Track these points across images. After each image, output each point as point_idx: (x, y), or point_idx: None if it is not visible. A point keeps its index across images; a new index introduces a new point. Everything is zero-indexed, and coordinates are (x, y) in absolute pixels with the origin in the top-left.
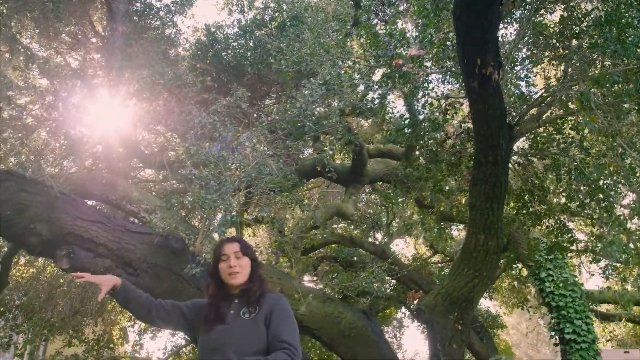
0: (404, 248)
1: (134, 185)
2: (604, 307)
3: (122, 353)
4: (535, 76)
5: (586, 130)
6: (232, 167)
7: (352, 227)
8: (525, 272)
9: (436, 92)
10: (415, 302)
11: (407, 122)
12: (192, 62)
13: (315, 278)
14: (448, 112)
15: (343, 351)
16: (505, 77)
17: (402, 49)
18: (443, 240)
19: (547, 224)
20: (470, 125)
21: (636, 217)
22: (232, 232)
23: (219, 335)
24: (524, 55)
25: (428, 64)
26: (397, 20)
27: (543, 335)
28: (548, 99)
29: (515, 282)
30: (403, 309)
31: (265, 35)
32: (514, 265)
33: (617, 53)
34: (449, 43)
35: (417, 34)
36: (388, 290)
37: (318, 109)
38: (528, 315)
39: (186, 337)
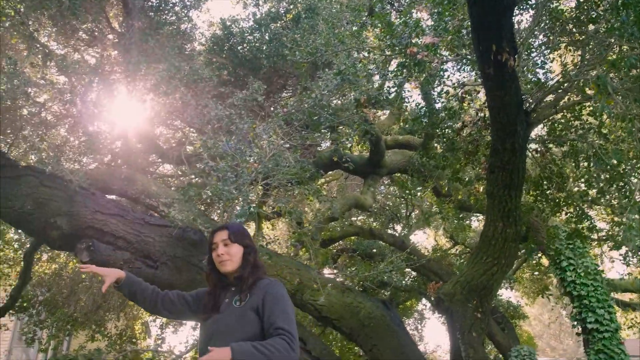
0: (425, 240)
1: (153, 180)
2: (626, 297)
3: (144, 347)
4: (551, 62)
5: (604, 116)
6: (250, 160)
7: (372, 219)
8: (546, 262)
9: (452, 81)
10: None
11: (423, 111)
12: (208, 57)
13: (335, 271)
14: (464, 100)
15: (363, 341)
16: (521, 63)
17: (417, 38)
18: (463, 231)
19: (566, 211)
20: (487, 113)
21: None
22: (250, 225)
23: (213, 323)
24: (540, 42)
25: (444, 52)
26: (412, 10)
27: (566, 326)
28: (565, 84)
29: (536, 272)
30: (424, 301)
31: (281, 28)
32: (535, 255)
33: (634, 36)
34: (464, 31)
35: (432, 23)
36: (408, 282)
37: (334, 100)
38: (550, 306)
39: None
